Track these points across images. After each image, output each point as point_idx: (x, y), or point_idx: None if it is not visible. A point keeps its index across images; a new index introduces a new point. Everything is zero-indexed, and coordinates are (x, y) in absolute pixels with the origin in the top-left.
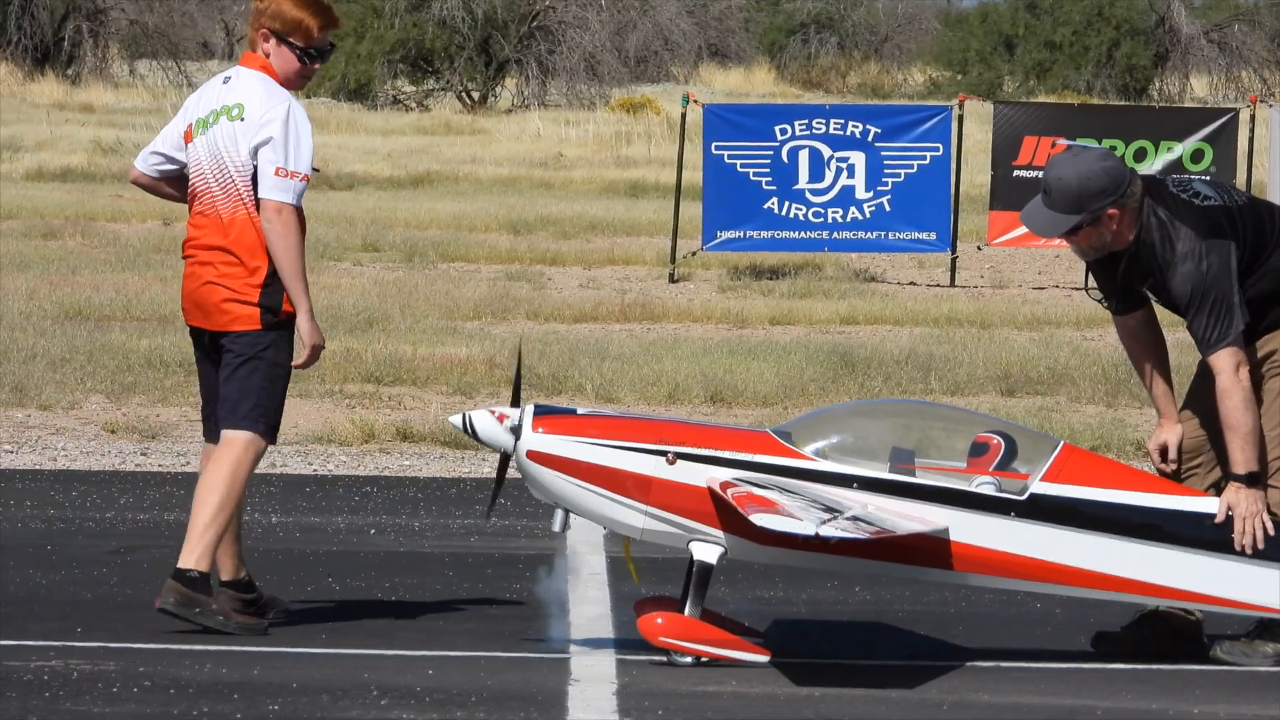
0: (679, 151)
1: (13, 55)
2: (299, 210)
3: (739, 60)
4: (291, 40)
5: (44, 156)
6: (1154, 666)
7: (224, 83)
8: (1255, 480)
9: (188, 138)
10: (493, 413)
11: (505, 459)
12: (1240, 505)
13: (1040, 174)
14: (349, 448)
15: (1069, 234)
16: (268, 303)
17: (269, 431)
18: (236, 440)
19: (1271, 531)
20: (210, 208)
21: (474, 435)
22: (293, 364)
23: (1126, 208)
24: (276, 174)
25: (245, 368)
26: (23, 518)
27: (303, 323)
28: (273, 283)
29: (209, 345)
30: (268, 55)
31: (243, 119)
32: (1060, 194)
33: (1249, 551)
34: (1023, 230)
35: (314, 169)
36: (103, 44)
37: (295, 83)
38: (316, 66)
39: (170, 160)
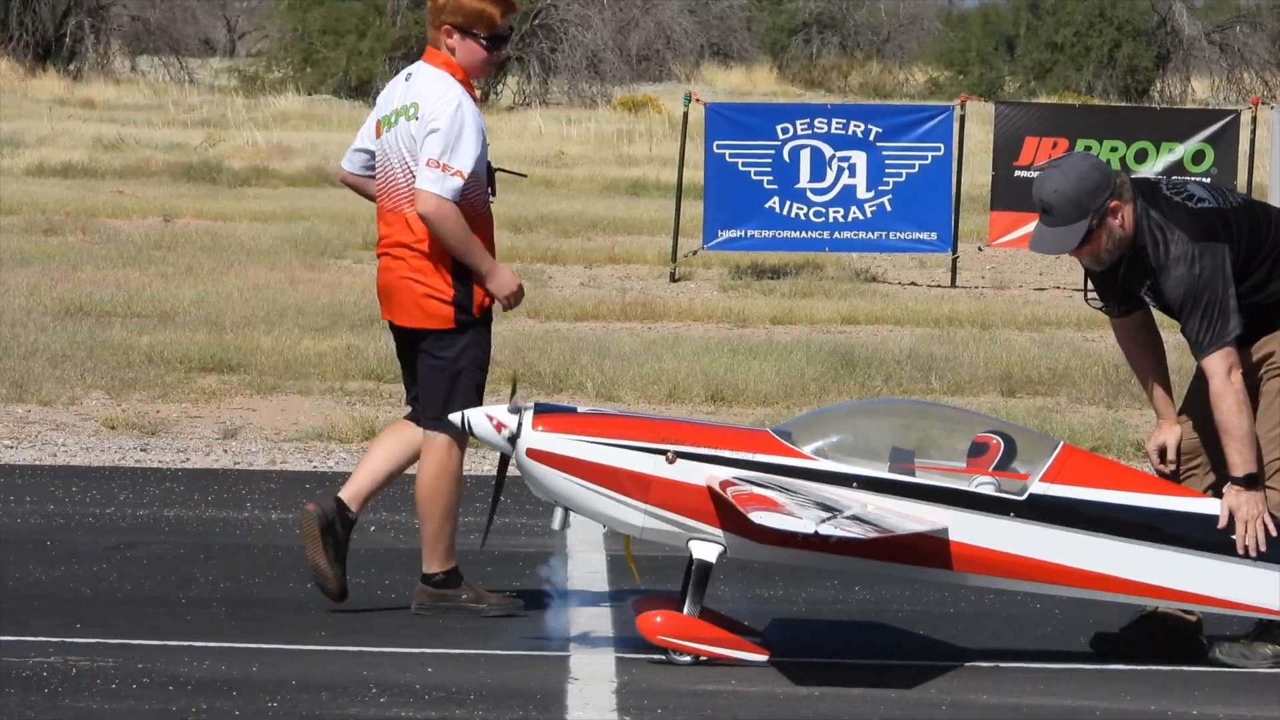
0: (680, 150)
1: (14, 51)
2: (453, 204)
3: (741, 59)
4: (475, 32)
5: (45, 152)
6: (1153, 667)
7: (406, 79)
8: (1254, 482)
9: (376, 133)
10: (490, 419)
11: (504, 462)
12: (1241, 508)
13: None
14: (349, 445)
15: (1082, 242)
16: (461, 300)
17: None
18: (439, 441)
19: (1274, 533)
20: (396, 205)
21: (472, 433)
22: (503, 305)
23: (1124, 199)
24: (428, 165)
25: (445, 374)
26: (22, 513)
27: (488, 284)
28: (463, 278)
29: (403, 339)
30: (452, 51)
31: (417, 118)
32: (1061, 206)
33: (1251, 554)
34: (1024, 230)
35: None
36: (104, 40)
37: (482, 71)
38: (501, 52)
39: (374, 155)
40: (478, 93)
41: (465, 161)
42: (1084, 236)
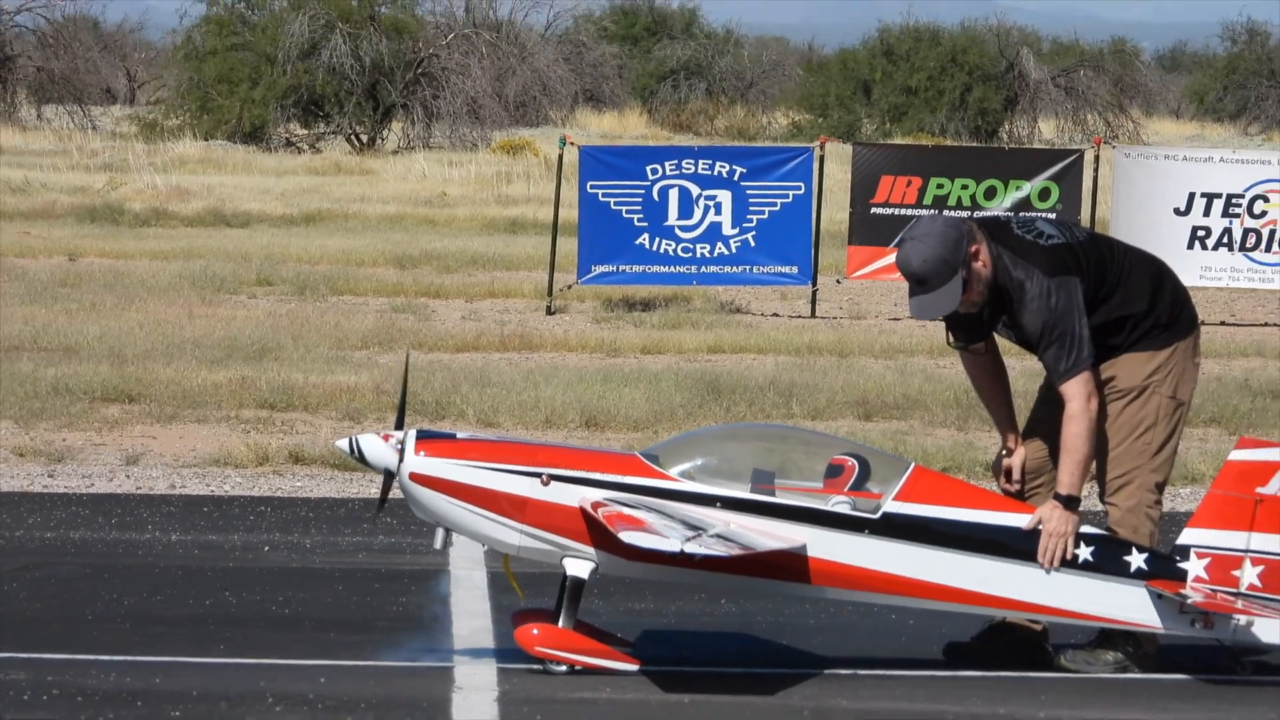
0: (556, 190)
1: None
2: None
3: (613, 104)
4: None
5: None
6: (1002, 674)
7: None
8: (1072, 504)
9: None
10: (379, 433)
11: (390, 475)
12: (1051, 522)
13: (896, 212)
14: (244, 470)
15: (962, 294)
16: None
17: None
18: None
19: (1071, 552)
20: None
21: (361, 458)
22: None
23: (978, 239)
24: None
25: None
26: None
27: None
28: None
29: None
30: None
31: None
32: (934, 272)
33: (1047, 566)
34: (880, 264)
35: None
36: (11, 89)
37: None
38: None
39: None
40: None
41: None
42: (963, 289)
